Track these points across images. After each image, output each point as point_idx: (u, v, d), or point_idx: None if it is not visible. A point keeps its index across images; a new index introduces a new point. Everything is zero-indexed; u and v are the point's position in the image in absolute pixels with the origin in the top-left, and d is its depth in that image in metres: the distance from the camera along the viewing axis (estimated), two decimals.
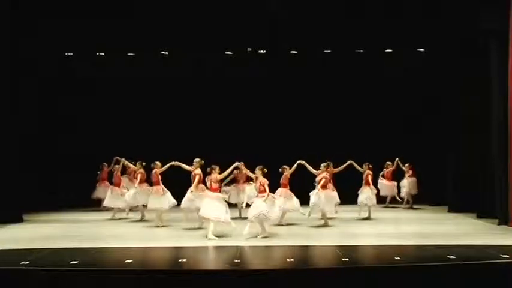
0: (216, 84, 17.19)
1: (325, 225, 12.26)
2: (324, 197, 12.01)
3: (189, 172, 11.60)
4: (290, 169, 12.26)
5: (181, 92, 17.24)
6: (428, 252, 9.26)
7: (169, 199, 12.36)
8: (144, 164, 13.14)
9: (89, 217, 14.31)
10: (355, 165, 13.63)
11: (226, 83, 17.20)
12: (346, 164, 13.60)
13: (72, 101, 16.99)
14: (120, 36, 15.87)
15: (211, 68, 17.01)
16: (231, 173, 11.70)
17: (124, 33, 15.70)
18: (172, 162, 11.91)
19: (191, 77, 17.10)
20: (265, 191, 10.58)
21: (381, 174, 15.70)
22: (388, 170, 15.75)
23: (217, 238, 10.51)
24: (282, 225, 12.26)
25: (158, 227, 12.28)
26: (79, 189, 15.59)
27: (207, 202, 10.70)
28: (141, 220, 13.33)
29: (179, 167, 11.80)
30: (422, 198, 15.83)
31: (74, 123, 17.04)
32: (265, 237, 10.59)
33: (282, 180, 12.28)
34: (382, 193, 15.27)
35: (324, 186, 12.06)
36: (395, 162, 15.80)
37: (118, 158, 14.43)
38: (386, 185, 15.65)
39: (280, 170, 12.24)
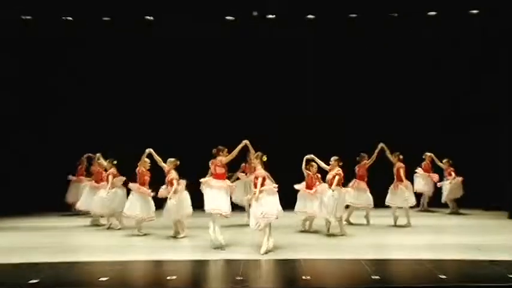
0: (209, 58, 17.03)
1: (341, 233, 12.01)
2: (338, 197, 11.70)
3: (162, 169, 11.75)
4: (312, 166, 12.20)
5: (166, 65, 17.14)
6: (482, 270, 9.01)
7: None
8: (115, 162, 13.19)
9: (53, 224, 14.20)
10: (386, 150, 13.31)
11: (223, 56, 17.05)
12: (378, 148, 13.31)
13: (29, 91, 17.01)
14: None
15: (206, 39, 16.83)
16: (242, 153, 11.37)
17: None
18: (148, 150, 11.83)
19: (179, 49, 17.00)
20: (256, 186, 10.09)
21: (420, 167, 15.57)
22: (427, 161, 15.42)
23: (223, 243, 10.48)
24: (309, 231, 12.39)
25: (139, 235, 12.25)
26: (39, 191, 15.62)
27: (207, 193, 10.52)
28: (120, 229, 13.26)
29: (151, 155, 11.77)
30: (473, 201, 15.57)
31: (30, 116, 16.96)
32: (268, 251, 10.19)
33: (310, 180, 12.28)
34: (416, 189, 14.94)
35: (339, 185, 11.78)
36: (429, 157, 15.50)
37: (90, 154, 14.47)
38: (424, 180, 15.30)
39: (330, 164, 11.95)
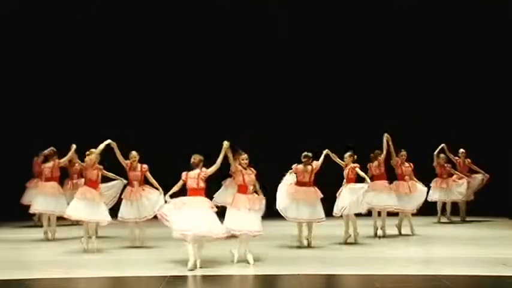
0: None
1: (354, 241, 11.94)
2: (349, 195, 11.75)
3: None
4: (318, 161, 11.85)
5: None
6: None
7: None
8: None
9: (10, 235, 13.93)
10: (385, 142, 12.98)
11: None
12: (384, 141, 12.88)
13: None
14: None
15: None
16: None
17: None
18: (108, 141, 11.44)
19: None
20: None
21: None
22: (461, 159, 14.93)
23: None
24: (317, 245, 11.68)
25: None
26: None
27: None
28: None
29: (113, 149, 11.48)
30: (481, 207, 15.33)
31: None
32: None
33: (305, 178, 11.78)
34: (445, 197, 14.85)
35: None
36: (464, 153, 15.03)
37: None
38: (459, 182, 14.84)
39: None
